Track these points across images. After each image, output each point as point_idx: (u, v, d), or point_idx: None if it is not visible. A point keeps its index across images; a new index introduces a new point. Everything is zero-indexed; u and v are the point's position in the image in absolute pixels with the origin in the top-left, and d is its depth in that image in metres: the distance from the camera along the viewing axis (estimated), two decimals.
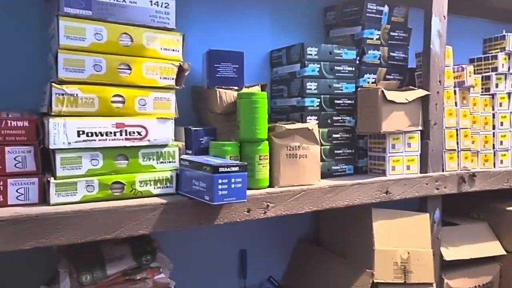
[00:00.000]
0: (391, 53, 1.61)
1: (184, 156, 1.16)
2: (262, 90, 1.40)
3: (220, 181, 1.02)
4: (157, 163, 1.13)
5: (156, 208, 1.08)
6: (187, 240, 1.57)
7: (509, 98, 1.74)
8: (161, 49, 1.13)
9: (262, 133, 1.27)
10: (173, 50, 1.14)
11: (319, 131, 1.48)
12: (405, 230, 1.52)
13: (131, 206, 1.05)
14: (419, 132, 1.55)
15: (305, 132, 1.34)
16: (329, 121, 1.53)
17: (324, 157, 1.52)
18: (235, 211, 1.19)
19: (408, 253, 1.49)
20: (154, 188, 1.12)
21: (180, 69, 1.16)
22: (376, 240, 1.46)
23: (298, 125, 1.35)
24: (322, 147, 1.51)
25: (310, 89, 1.48)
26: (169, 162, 1.15)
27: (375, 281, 1.43)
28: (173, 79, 1.15)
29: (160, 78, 1.13)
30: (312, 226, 1.84)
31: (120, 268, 1.15)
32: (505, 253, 1.78)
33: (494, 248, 1.79)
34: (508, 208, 1.79)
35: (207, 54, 1.33)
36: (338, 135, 1.54)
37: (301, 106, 1.49)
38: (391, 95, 1.44)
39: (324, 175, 1.49)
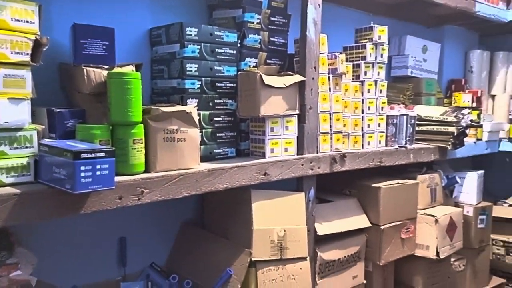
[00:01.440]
0: (271, 38, 1.65)
1: (44, 141, 1.05)
2: (137, 70, 1.33)
3: (82, 168, 0.95)
4: (10, 148, 1.01)
5: (8, 199, 0.97)
6: (61, 230, 1.45)
7: (375, 85, 1.91)
8: (11, 19, 0.99)
9: (136, 115, 1.21)
10: (28, 21, 1.02)
11: (200, 114, 1.46)
12: (282, 209, 1.60)
13: None
14: (296, 115, 1.62)
15: (183, 115, 1.31)
16: (210, 104, 1.52)
17: (206, 140, 1.51)
18: (105, 198, 1.13)
19: (285, 230, 1.57)
20: (6, 177, 1.00)
21: (37, 44, 1.04)
22: (254, 220, 1.51)
23: (176, 108, 1.31)
24: (204, 130, 1.50)
25: (191, 70, 1.45)
26: (26, 147, 1.03)
27: (253, 259, 1.48)
28: (28, 54, 1.02)
29: (12, 53, 1.00)
30: (197, 209, 1.83)
31: None
32: (370, 225, 1.98)
33: (361, 221, 1.98)
34: (373, 185, 1.98)
35: (72, 28, 1.21)
36: (220, 118, 1.54)
37: (181, 88, 1.45)
38: (269, 79, 1.48)
39: (206, 159, 1.49)
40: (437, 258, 2.13)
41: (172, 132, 1.29)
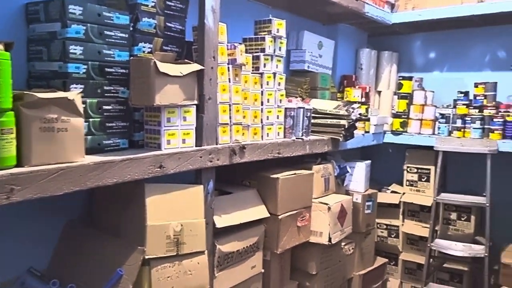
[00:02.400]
0: (167, 24, 1.57)
1: None
2: (6, 50, 1.15)
3: None
4: None
5: None
6: None
7: (274, 77, 1.93)
8: None
9: (5, 102, 1.05)
10: None
11: (86, 101, 1.33)
12: (179, 203, 1.54)
13: None
14: (194, 106, 1.56)
15: (64, 102, 1.17)
16: (99, 91, 1.39)
17: (93, 130, 1.38)
18: None
19: (182, 225, 1.51)
20: None
21: None
22: (148, 216, 1.43)
23: (56, 94, 1.17)
24: (91, 119, 1.37)
25: (75, 53, 1.30)
26: None
27: (146, 257, 1.40)
28: None
29: None
30: (84, 205, 1.68)
31: None
32: (268, 215, 2.02)
33: (260, 212, 2.01)
34: (271, 176, 2.02)
35: None
36: (110, 107, 1.42)
37: (64, 73, 1.30)
38: (164, 67, 1.39)
39: (93, 151, 1.36)
40: (329, 243, 2.26)
41: (50, 121, 1.14)
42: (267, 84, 1.91)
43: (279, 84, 1.96)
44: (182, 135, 1.54)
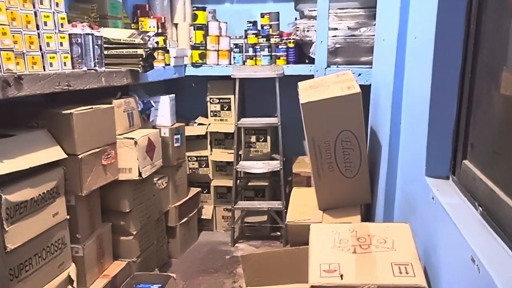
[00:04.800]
0: None
1: None
2: None
3: None
4: None
5: None
6: None
7: None
8: None
9: None
10: None
11: None
12: None
13: None
14: None
15: None
16: None
17: None
18: None
19: None
20: None
21: None
22: None
23: None
24: None
25: None
26: None
27: None
28: None
29: None
30: None
31: None
32: (66, 156, 1.82)
33: (55, 153, 1.79)
34: (63, 112, 1.81)
35: None
36: None
37: None
38: None
39: None
40: (140, 178, 2.22)
41: None
42: (41, 4, 1.63)
43: (57, 4, 1.70)
44: None
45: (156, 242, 2.60)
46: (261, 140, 3.17)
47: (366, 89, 2.24)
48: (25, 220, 1.63)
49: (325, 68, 2.69)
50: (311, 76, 2.60)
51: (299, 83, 1.98)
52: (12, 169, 1.54)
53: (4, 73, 1.46)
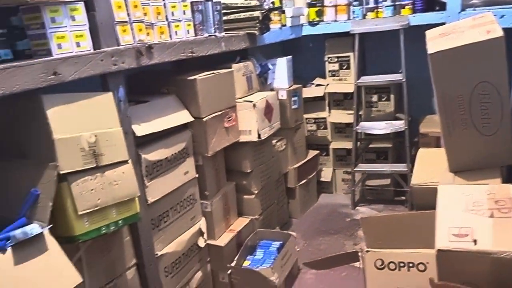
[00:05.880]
0: None
1: None
2: None
3: None
4: None
5: None
6: None
7: None
8: None
9: None
10: None
11: None
12: (88, 112, 1.42)
13: None
14: (82, 2, 1.38)
15: None
16: None
17: None
18: None
19: (96, 136, 1.41)
20: None
21: None
22: (54, 129, 1.30)
23: None
24: None
25: None
26: None
27: (61, 172, 1.31)
28: None
29: None
30: None
31: None
32: (192, 119, 1.96)
33: (183, 116, 1.95)
34: (188, 78, 1.93)
35: None
36: None
37: None
38: None
39: None
40: (259, 139, 2.28)
41: None
42: None
43: None
44: (74, 38, 1.38)
45: (276, 201, 2.69)
46: (383, 99, 2.98)
47: (509, 33, 1.91)
48: (161, 177, 1.81)
49: (459, 13, 2.37)
50: (441, 25, 2.32)
51: (426, 32, 1.78)
52: (149, 131, 1.72)
53: (137, 43, 1.61)
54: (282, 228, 2.75)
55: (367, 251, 1.45)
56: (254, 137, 2.27)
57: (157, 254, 1.81)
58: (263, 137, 2.30)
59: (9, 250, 1.13)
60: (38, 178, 1.30)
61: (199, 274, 2.11)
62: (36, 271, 1.16)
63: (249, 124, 2.26)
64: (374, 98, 3.01)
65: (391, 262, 1.41)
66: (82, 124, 1.39)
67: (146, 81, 2.04)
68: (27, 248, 1.17)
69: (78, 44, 1.39)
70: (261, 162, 2.46)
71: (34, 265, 1.16)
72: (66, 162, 1.33)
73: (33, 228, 1.18)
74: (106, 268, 1.60)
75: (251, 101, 2.25)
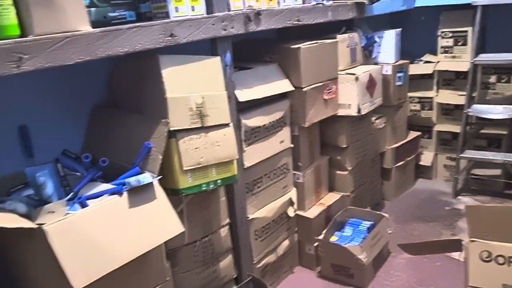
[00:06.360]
0: None
1: None
2: None
3: None
4: None
5: None
6: None
7: None
8: None
9: None
10: None
11: None
12: (197, 75, 1.49)
13: None
14: None
15: None
16: None
17: (96, 2, 1.30)
18: None
19: (203, 97, 1.48)
20: None
21: None
22: (167, 88, 1.40)
23: None
24: None
25: None
26: None
27: (171, 129, 1.40)
28: None
29: None
30: (108, 90, 1.68)
31: None
32: (293, 88, 1.96)
33: (284, 85, 1.95)
34: (292, 46, 1.91)
35: None
36: None
37: None
38: None
39: (100, 24, 1.29)
40: (359, 114, 2.21)
41: None
42: None
43: None
44: (190, 2, 1.44)
45: (370, 181, 2.60)
46: (503, 81, 2.67)
47: None
48: (258, 143, 1.86)
49: None
50: None
51: None
52: (251, 97, 1.76)
53: (246, 9, 1.63)
54: (373, 208, 2.66)
55: (472, 241, 1.33)
56: (353, 112, 2.20)
57: (248, 217, 1.88)
58: (362, 113, 2.22)
59: (125, 194, 1.26)
60: (150, 133, 1.42)
61: (286, 242, 2.15)
62: (145, 215, 1.28)
63: (349, 97, 2.19)
64: (492, 79, 2.70)
65: (499, 255, 1.28)
66: (191, 85, 1.47)
67: (250, 49, 2.07)
68: (139, 195, 1.28)
69: (193, 8, 1.45)
70: (358, 138, 2.39)
71: (143, 210, 1.28)
72: (176, 120, 1.42)
73: (145, 177, 1.29)
74: (203, 223, 1.70)
75: (353, 74, 2.17)
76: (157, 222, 1.31)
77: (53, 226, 1.09)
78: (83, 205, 1.20)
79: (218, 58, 1.55)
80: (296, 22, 1.85)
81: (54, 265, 1.07)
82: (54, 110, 1.54)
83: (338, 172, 2.37)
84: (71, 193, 1.28)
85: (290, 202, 2.10)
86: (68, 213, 1.17)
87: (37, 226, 1.08)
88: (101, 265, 1.13)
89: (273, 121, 1.91)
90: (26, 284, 1.29)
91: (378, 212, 2.36)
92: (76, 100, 1.59)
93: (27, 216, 1.17)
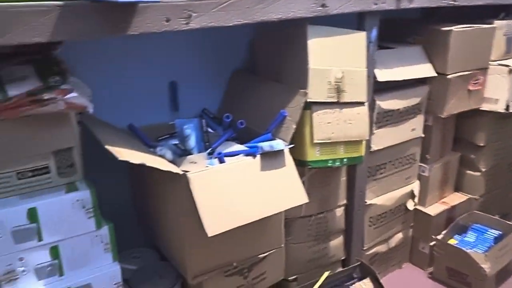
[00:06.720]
0: None
1: None
2: None
3: None
4: None
5: (50, 10, 0.90)
6: (113, 68, 1.44)
7: None
8: None
9: None
10: None
11: None
12: (341, 48, 1.46)
13: (17, 6, 0.86)
14: None
15: None
16: None
17: None
18: (151, 19, 1.04)
19: (343, 72, 1.45)
20: None
21: None
22: (311, 59, 1.39)
23: None
24: None
25: None
26: None
27: (308, 100, 1.40)
28: None
29: None
30: (248, 57, 1.74)
31: (23, 89, 1.00)
32: (435, 74, 1.81)
33: (425, 70, 1.81)
34: (442, 29, 1.76)
35: None
36: None
37: None
38: None
39: None
40: (506, 112, 1.97)
41: None
42: None
43: None
44: None
45: (504, 187, 2.33)
46: None
47: None
48: (388, 127, 1.77)
49: None
50: None
51: None
52: (389, 78, 1.67)
53: None
54: (502, 218, 2.39)
55: None
56: (500, 108, 1.97)
57: (366, 202, 1.83)
58: (511, 110, 1.98)
59: (258, 157, 1.30)
60: (287, 102, 1.44)
61: (400, 235, 2.06)
62: (273, 180, 1.32)
63: (498, 91, 1.96)
64: None
65: None
66: (333, 59, 1.44)
67: (392, 29, 1.95)
68: (270, 160, 1.32)
69: None
70: (499, 138, 2.14)
71: (273, 175, 1.32)
72: (314, 92, 1.41)
73: (278, 144, 1.32)
74: (320, 200, 1.70)
75: (507, 66, 1.93)
76: (284, 189, 1.34)
77: (196, 174, 1.18)
78: (221, 161, 1.28)
79: (363, 34, 1.49)
80: (452, 2, 1.69)
81: (192, 210, 1.16)
82: (199, 71, 1.64)
83: (469, 172, 2.16)
84: (210, 149, 1.37)
85: (411, 195, 1.99)
86: (207, 166, 1.26)
87: (182, 172, 1.18)
88: (233, 217, 1.20)
89: (407, 107, 1.81)
90: (162, 224, 1.43)
91: (509, 222, 2.12)
92: (218, 65, 1.68)
93: (173, 162, 1.28)
